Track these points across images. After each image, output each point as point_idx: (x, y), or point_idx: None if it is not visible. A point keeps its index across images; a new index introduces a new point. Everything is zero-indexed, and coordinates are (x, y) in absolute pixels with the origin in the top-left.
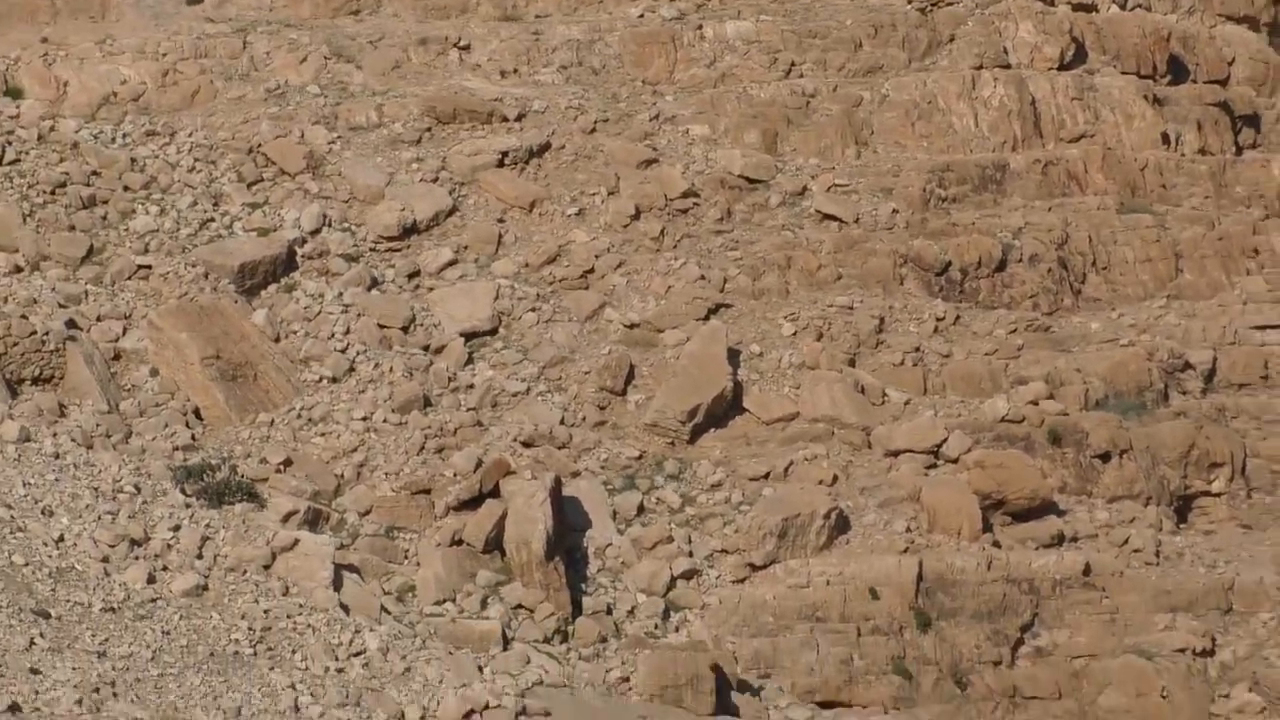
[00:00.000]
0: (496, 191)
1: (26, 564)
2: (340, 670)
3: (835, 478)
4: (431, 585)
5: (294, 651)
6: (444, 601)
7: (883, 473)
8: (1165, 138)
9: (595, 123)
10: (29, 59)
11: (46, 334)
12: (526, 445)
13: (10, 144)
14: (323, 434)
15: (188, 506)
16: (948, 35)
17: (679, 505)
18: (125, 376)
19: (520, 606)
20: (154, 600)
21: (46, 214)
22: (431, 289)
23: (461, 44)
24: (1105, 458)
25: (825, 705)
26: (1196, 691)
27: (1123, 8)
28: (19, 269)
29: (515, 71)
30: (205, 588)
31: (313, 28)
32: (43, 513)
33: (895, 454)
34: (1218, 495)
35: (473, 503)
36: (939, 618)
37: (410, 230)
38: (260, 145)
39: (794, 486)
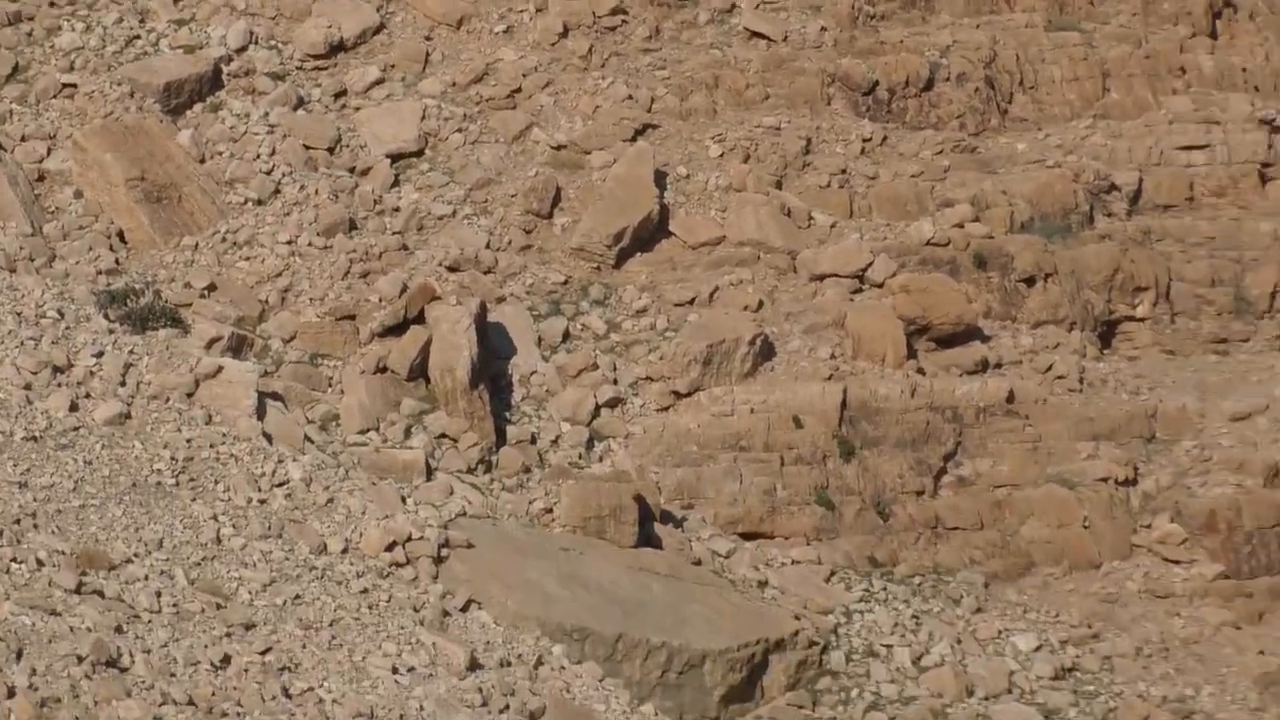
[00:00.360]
0: (424, 8)
1: None
2: (263, 501)
3: (761, 303)
4: (355, 414)
5: (216, 482)
6: (368, 430)
7: (808, 298)
8: None
9: None
10: None
11: None
12: (452, 270)
13: None
14: (247, 258)
15: (111, 332)
16: None
17: (604, 332)
18: (49, 198)
19: (444, 436)
20: (76, 429)
21: None
22: (358, 109)
23: None
24: (1030, 282)
25: (748, 536)
26: (1119, 522)
27: None
28: None
29: None
30: (128, 416)
31: None
32: None
33: (821, 278)
34: (1142, 320)
35: (397, 329)
36: (862, 446)
37: (337, 48)
38: None
39: (719, 312)
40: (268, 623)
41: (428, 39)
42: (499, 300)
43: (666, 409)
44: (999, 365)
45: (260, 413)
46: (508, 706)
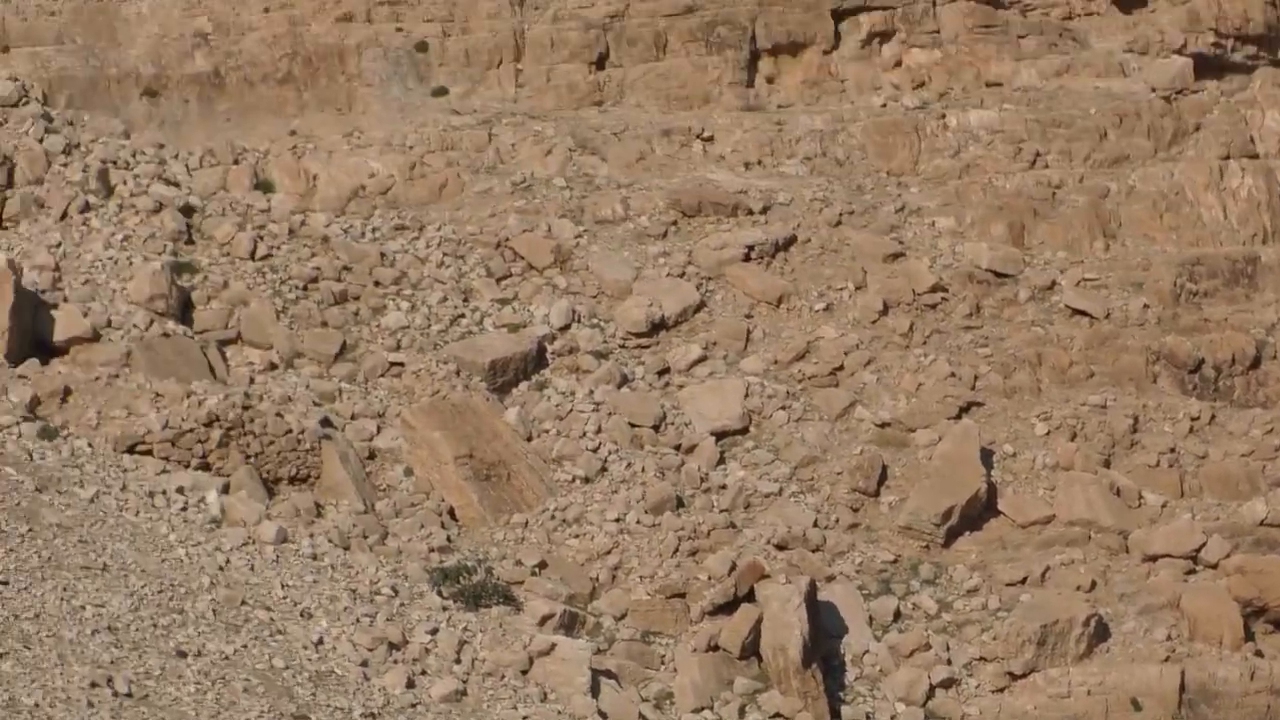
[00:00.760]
0: (744, 286)
1: (286, 667)
2: None
3: (1093, 583)
4: (689, 692)
5: None
6: (702, 709)
7: (1141, 578)
8: None
9: (840, 215)
10: (278, 152)
11: (302, 432)
12: (780, 548)
13: (262, 239)
14: (577, 535)
15: (445, 609)
16: (1193, 124)
17: (935, 611)
18: (380, 475)
19: (778, 715)
20: (413, 705)
21: (299, 310)
22: (681, 386)
23: (705, 135)
24: None
25: None
26: None
27: None
28: (274, 366)
29: (759, 163)
30: (464, 693)
31: (557, 119)
32: (302, 615)
33: (1153, 558)
34: None
35: (728, 607)
36: None
37: (659, 326)
38: (508, 239)
39: (1052, 592)
40: None
41: (748, 316)
42: (828, 579)
43: (1002, 690)
44: None
45: (594, 690)
46: None
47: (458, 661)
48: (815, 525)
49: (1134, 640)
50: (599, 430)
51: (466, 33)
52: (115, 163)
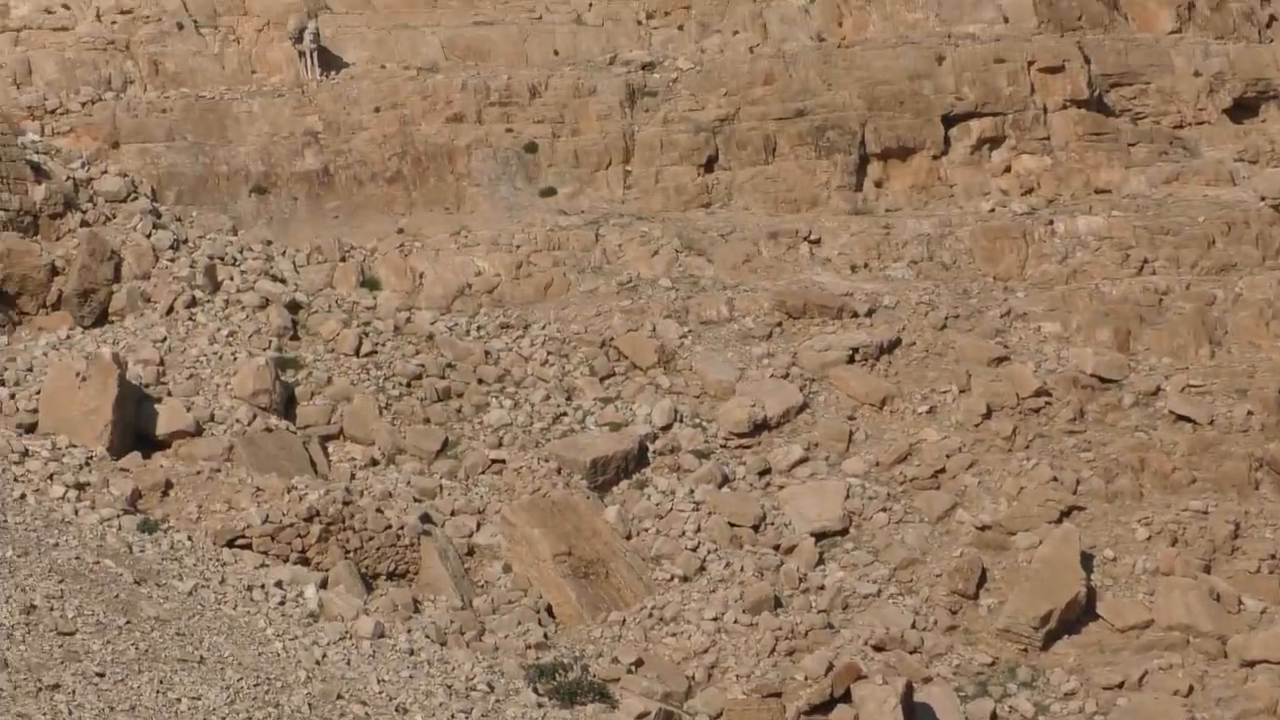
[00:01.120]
0: (847, 388)
1: None
2: None
3: (1191, 688)
4: None
5: None
6: None
7: (1239, 684)
8: None
9: (946, 319)
10: (385, 250)
11: (402, 528)
12: (877, 649)
13: (367, 335)
14: (674, 634)
15: (540, 706)
16: None
17: (1032, 714)
18: (478, 572)
19: None
20: None
21: (402, 406)
22: (782, 487)
23: (812, 237)
24: None
25: None
26: None
27: None
28: (375, 461)
29: (865, 266)
30: None
31: (664, 220)
32: (397, 710)
33: (1252, 664)
34: None
35: (824, 707)
36: None
37: (761, 426)
38: (613, 339)
39: (1149, 697)
40: None
41: (851, 418)
42: (925, 680)
43: None
44: None
45: None
46: None
47: None
48: (913, 627)
49: None
50: (698, 529)
51: (576, 134)
52: (222, 259)
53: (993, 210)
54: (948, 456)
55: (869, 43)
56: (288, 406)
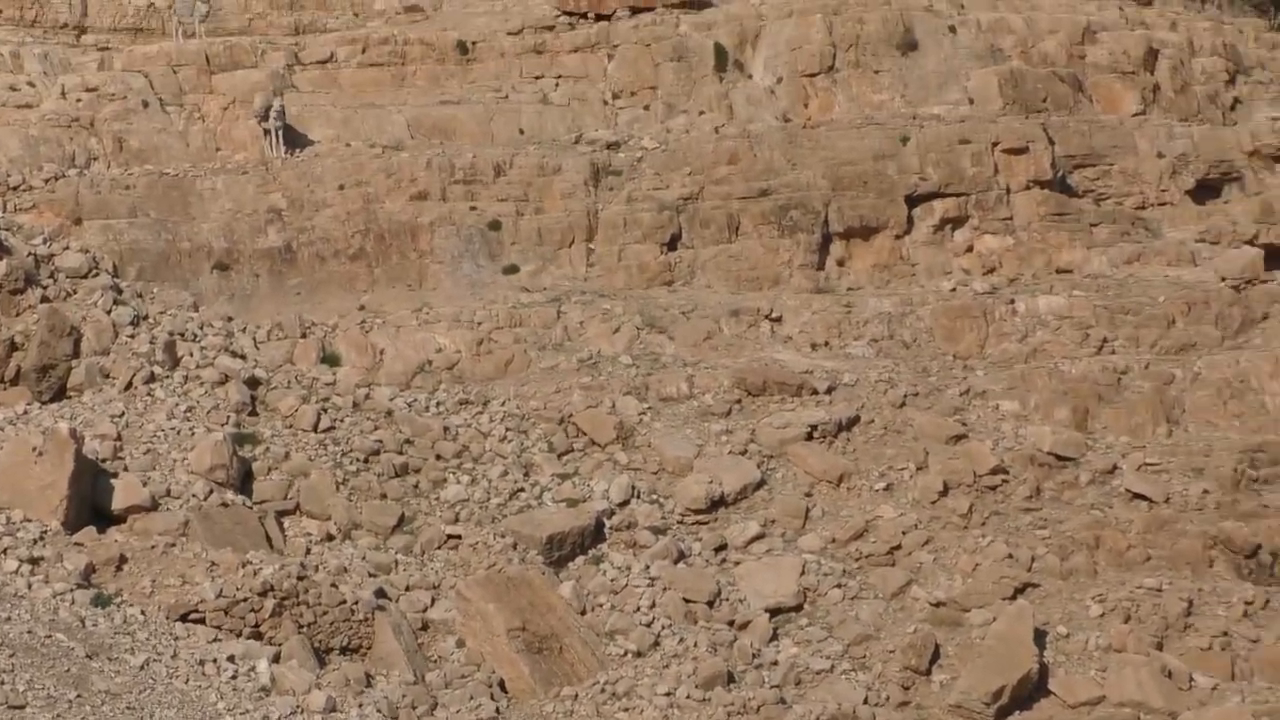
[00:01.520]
0: (805, 465)
1: None
2: None
3: None
4: None
5: None
6: None
7: None
8: None
9: (905, 396)
10: (346, 326)
11: (356, 603)
12: None
13: (326, 411)
14: (626, 709)
15: None
16: (1261, 313)
17: None
18: (432, 647)
19: None
20: None
21: (359, 481)
22: (738, 563)
23: (773, 315)
24: None
25: None
26: None
27: None
28: (330, 536)
29: (826, 344)
30: None
31: (626, 297)
32: None
33: None
34: None
35: None
36: None
37: (718, 503)
38: (571, 415)
39: None
40: None
41: (808, 495)
42: None
43: None
44: None
45: None
46: None
47: None
48: (865, 702)
49: None
50: (653, 605)
51: (540, 212)
52: (183, 335)
53: (954, 289)
54: (904, 533)
55: (834, 123)
56: (244, 482)
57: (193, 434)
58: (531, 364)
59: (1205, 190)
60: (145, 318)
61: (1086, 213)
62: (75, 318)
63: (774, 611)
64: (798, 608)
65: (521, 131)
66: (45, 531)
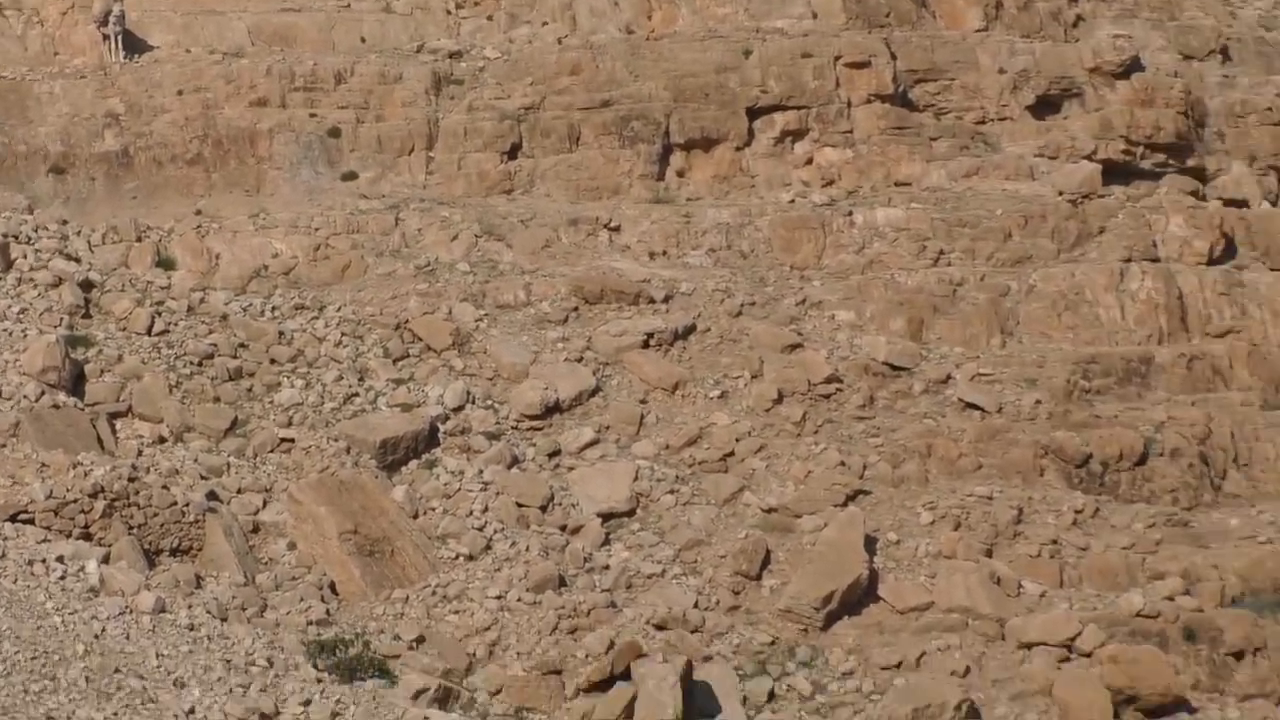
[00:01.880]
0: (640, 372)
1: None
2: None
3: (968, 669)
4: None
5: None
6: None
7: (1015, 665)
8: None
9: (741, 306)
10: (182, 231)
11: (187, 505)
12: (659, 628)
13: (160, 314)
14: (456, 611)
15: (319, 681)
16: (1097, 227)
17: (810, 693)
18: (263, 549)
19: None
20: None
21: (192, 385)
22: (571, 468)
23: (612, 225)
24: (1239, 656)
25: None
26: None
27: (1274, 204)
28: (163, 439)
29: (664, 253)
30: None
31: (465, 205)
32: (175, 684)
33: (1029, 646)
34: None
35: (603, 684)
36: None
37: (553, 409)
38: (408, 321)
39: (926, 677)
40: None
41: (643, 402)
42: (705, 659)
43: None
44: None
45: None
46: None
47: None
48: (696, 606)
49: None
50: (485, 509)
51: (380, 119)
52: (16, 237)
53: (793, 201)
54: (737, 440)
55: (677, 36)
56: (77, 384)
57: (25, 335)
58: (368, 270)
59: (1045, 106)
60: None
61: (926, 127)
62: None
63: (606, 516)
64: (630, 513)
65: (363, 40)
66: None
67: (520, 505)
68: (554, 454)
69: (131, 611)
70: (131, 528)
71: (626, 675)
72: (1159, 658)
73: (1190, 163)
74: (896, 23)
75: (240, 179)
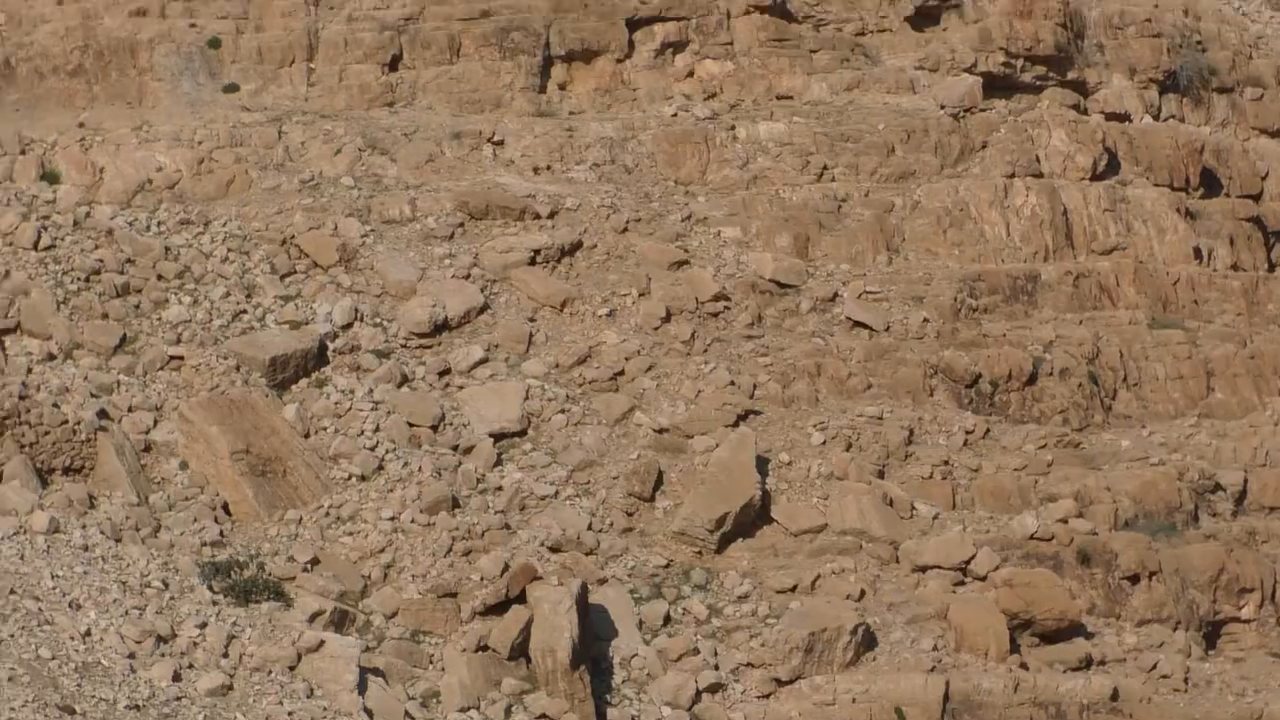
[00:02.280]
0: (528, 290)
1: (53, 658)
2: None
3: (863, 592)
4: (456, 692)
5: None
6: (468, 709)
7: (910, 589)
8: (1197, 252)
9: (627, 222)
10: (65, 144)
11: (78, 424)
12: (554, 550)
13: (46, 229)
14: (350, 533)
15: (214, 604)
16: (980, 142)
17: (705, 616)
18: (155, 469)
19: (544, 716)
20: (179, 699)
21: (80, 301)
22: (462, 387)
23: (495, 139)
24: (1134, 579)
25: None
26: None
27: (1156, 119)
28: (51, 356)
29: (549, 168)
30: (230, 687)
31: (348, 119)
32: (70, 606)
33: (923, 569)
34: (1247, 622)
35: (499, 608)
36: None
37: (441, 327)
38: (294, 237)
39: (821, 600)
40: None
41: (531, 320)
42: (600, 582)
43: (768, 696)
44: (1103, 663)
45: (362, 688)
46: None
47: (225, 656)
48: (589, 529)
49: (900, 650)
50: (377, 429)
51: (260, 30)
52: None
53: (675, 115)
54: (626, 359)
55: None
56: None
57: None
58: (253, 184)
59: (924, 17)
60: None
61: (806, 39)
62: None
63: (498, 436)
64: (522, 433)
65: None
66: None
67: (411, 425)
68: (444, 373)
69: (25, 532)
70: (23, 446)
71: (522, 598)
72: (1054, 581)
73: (1071, 76)
74: None
75: (122, 91)
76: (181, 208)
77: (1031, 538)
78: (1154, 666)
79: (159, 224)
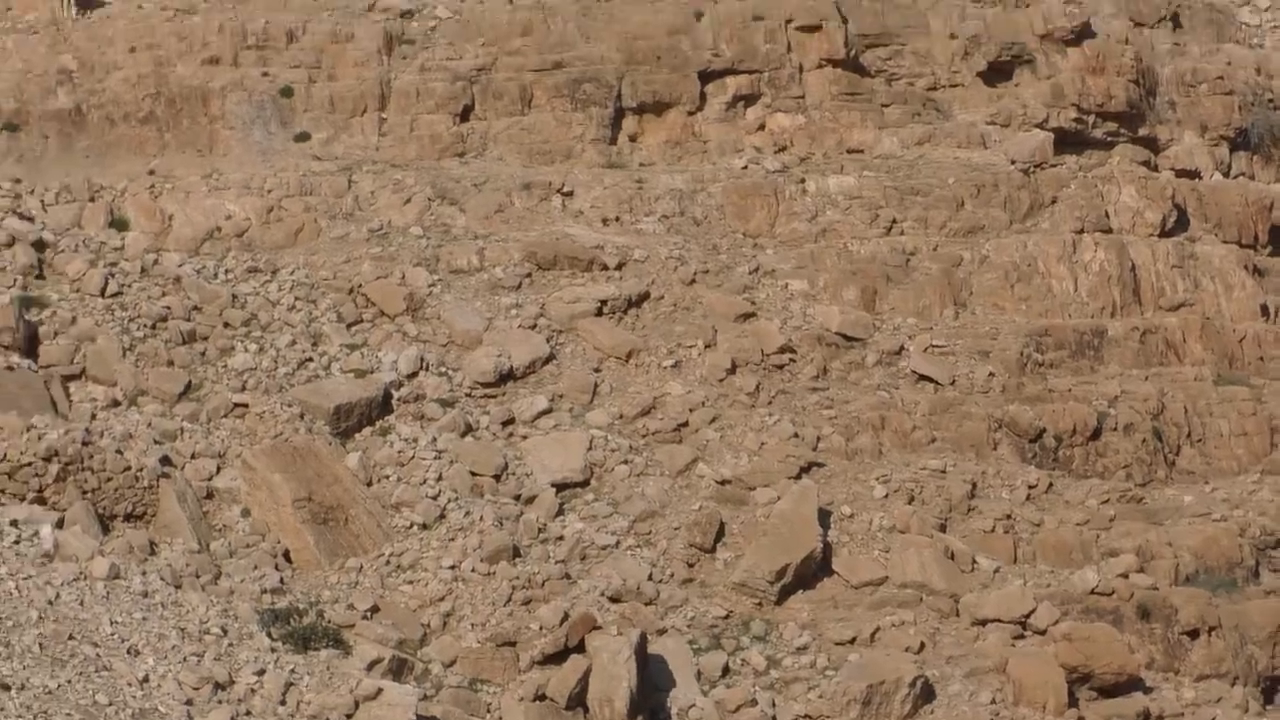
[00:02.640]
0: (594, 340)
1: (110, 704)
2: None
3: (922, 645)
4: None
5: None
6: None
7: (970, 642)
8: (1264, 309)
9: (695, 274)
10: (135, 191)
11: (140, 470)
12: (614, 600)
13: (113, 276)
14: (410, 581)
15: (273, 651)
16: (1050, 197)
17: (764, 668)
18: (217, 516)
19: None
20: None
21: (146, 348)
22: (525, 437)
23: (565, 190)
24: (1194, 635)
25: None
26: None
27: (1226, 175)
28: (116, 403)
29: (617, 219)
30: None
31: (418, 169)
32: (128, 652)
33: (983, 623)
34: None
35: (558, 657)
36: None
37: (506, 377)
38: (361, 286)
39: (880, 653)
40: None
41: (596, 370)
42: (660, 632)
43: None
44: (1161, 717)
45: None
46: None
47: (283, 703)
48: (650, 579)
49: (959, 703)
50: (439, 478)
51: (333, 79)
52: None
53: (745, 167)
54: (691, 410)
55: None
56: (30, 345)
57: None
58: (322, 233)
59: (996, 73)
60: None
61: (878, 93)
62: None
63: (560, 486)
64: (584, 483)
65: None
66: None
67: (474, 474)
68: (507, 422)
69: (85, 578)
70: (85, 492)
71: (581, 648)
72: (1113, 636)
73: (1142, 132)
74: None
75: (193, 138)
76: (249, 256)
77: (1092, 592)
78: None
79: (226, 271)
